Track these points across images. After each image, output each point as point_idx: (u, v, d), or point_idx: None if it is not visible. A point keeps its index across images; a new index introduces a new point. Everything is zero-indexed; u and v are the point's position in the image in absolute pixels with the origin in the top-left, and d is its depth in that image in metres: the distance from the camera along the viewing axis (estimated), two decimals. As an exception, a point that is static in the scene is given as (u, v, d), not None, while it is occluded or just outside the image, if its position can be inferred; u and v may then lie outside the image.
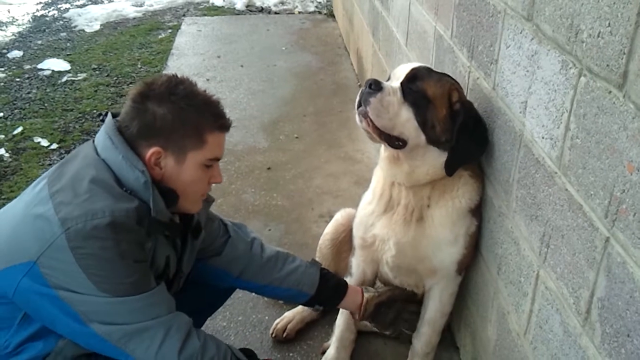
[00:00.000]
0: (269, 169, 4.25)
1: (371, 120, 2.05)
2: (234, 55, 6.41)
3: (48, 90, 5.64)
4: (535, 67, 1.77)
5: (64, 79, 5.90)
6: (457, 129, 2.06)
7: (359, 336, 2.69)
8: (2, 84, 5.78)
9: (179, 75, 1.91)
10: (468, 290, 2.44)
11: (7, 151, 4.51)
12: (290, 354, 2.70)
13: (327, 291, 2.34)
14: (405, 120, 2.05)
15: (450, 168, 2.10)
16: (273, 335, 2.75)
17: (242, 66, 6.12)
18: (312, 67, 6.13)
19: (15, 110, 5.21)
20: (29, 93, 5.56)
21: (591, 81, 1.46)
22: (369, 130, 2.08)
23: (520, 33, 1.87)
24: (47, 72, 6.06)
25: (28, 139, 4.70)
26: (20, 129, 4.85)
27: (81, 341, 1.77)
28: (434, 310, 2.42)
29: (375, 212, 2.33)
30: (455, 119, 2.07)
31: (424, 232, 2.22)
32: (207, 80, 5.70)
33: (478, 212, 2.25)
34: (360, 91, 2.09)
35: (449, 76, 2.21)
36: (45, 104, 5.33)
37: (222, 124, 1.91)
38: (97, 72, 6.07)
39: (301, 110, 5.17)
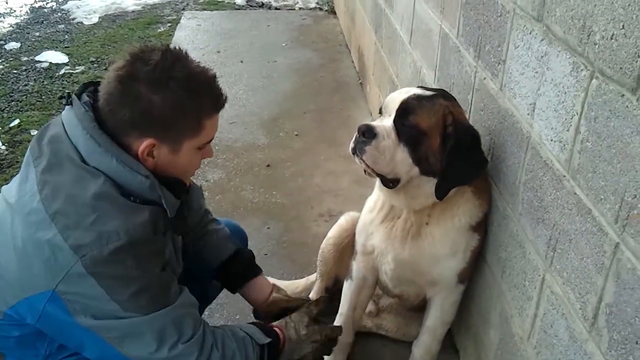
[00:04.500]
0: (268, 166, 4.22)
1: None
2: (233, 51, 6.36)
3: (45, 82, 5.59)
4: (545, 68, 1.74)
5: (62, 71, 5.85)
6: (447, 154, 1.97)
7: (357, 337, 2.65)
8: (-1, 75, 5.74)
9: (172, 49, 1.70)
10: (470, 293, 2.41)
11: (3, 144, 4.48)
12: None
13: (235, 267, 2.22)
14: (400, 161, 2.00)
15: (440, 192, 2.02)
16: None
17: (242, 62, 6.08)
18: (312, 63, 6.08)
19: (12, 103, 5.17)
20: (26, 85, 5.52)
21: (603, 84, 1.44)
22: (368, 171, 2.05)
23: (530, 33, 1.84)
24: (45, 65, 6.00)
25: (25, 132, 4.67)
26: (17, 121, 4.81)
27: None
28: (435, 318, 2.38)
29: (375, 221, 2.29)
30: (447, 144, 1.99)
31: (423, 249, 2.18)
32: (207, 75, 5.64)
33: (481, 227, 2.20)
34: (354, 137, 2.01)
35: (442, 93, 2.09)
36: (43, 97, 5.29)
37: (221, 103, 1.78)
38: (95, 65, 6.02)
39: (301, 107, 5.13)
